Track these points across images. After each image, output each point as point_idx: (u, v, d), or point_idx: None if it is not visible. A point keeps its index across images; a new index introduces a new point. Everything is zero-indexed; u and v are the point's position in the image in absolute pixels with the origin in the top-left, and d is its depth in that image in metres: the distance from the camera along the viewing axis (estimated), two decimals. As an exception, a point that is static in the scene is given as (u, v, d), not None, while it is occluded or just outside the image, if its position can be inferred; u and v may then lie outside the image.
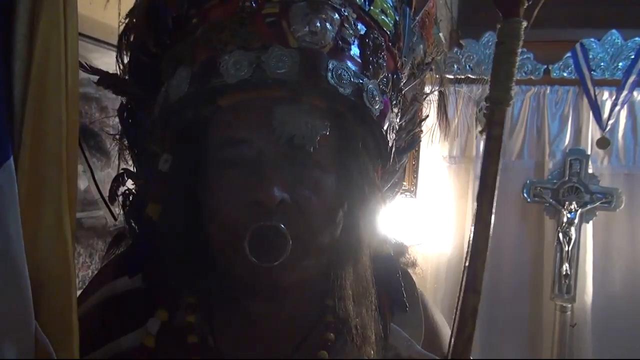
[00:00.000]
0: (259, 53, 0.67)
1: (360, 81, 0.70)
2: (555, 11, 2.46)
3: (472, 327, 0.60)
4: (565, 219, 2.93)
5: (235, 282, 0.75)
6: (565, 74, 3.03)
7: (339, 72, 0.68)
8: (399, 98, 0.82)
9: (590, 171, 2.99)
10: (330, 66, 0.68)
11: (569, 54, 3.01)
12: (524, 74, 3.06)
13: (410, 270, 0.85)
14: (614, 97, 2.93)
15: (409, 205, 2.87)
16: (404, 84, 0.85)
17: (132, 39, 0.83)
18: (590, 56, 2.97)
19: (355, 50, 0.72)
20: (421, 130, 0.95)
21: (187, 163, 0.73)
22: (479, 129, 0.62)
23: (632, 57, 2.91)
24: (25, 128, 0.56)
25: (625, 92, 2.90)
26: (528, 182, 3.04)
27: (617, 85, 2.92)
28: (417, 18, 0.86)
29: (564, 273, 2.89)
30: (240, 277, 0.73)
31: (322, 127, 0.68)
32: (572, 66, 3.00)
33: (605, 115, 2.94)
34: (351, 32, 0.71)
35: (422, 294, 0.85)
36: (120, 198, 0.87)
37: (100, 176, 1.37)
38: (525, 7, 0.60)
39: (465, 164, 3.18)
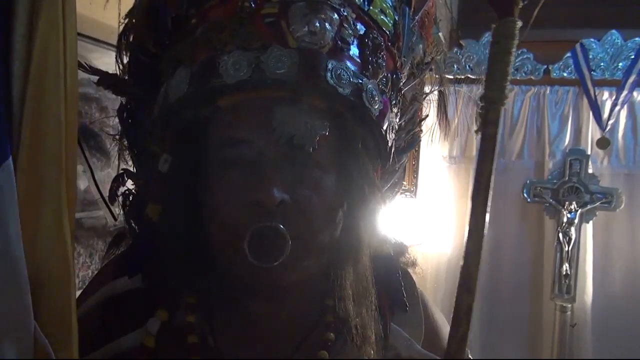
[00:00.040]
0: (258, 53, 0.67)
1: (360, 81, 0.70)
2: (555, 11, 2.46)
3: (466, 326, 0.60)
4: (565, 219, 2.93)
5: (235, 282, 0.75)
6: (565, 74, 3.03)
7: (338, 72, 0.68)
8: (399, 98, 0.82)
9: (590, 171, 2.99)
10: (330, 66, 0.68)
11: (569, 54, 3.01)
12: (524, 74, 3.06)
13: (410, 270, 0.86)
14: (614, 97, 2.93)
15: (409, 205, 2.87)
16: (403, 83, 0.85)
17: (131, 39, 0.83)
18: (590, 56, 2.97)
19: (354, 50, 0.72)
20: (421, 130, 0.95)
21: (186, 163, 0.73)
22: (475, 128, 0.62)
23: (632, 57, 2.91)
24: (24, 128, 0.56)
25: (625, 92, 2.90)
26: (528, 182, 3.04)
27: (617, 86, 2.92)
28: (417, 18, 0.86)
29: (564, 273, 2.89)
30: (240, 277, 0.73)
31: (321, 127, 0.68)
32: (572, 66, 3.00)
33: (605, 115, 2.95)
34: (350, 32, 0.71)
35: (422, 293, 0.85)
36: (120, 198, 0.87)
37: (100, 176, 1.37)
38: (520, 6, 0.60)
39: (465, 164, 3.18)
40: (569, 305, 2.92)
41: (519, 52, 3.05)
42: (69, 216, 0.59)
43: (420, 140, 0.97)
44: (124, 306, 0.77)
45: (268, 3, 0.70)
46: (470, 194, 0.61)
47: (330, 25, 0.69)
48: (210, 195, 0.71)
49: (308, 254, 0.70)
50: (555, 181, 3.01)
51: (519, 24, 0.60)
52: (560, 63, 3.03)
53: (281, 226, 0.66)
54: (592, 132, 3.02)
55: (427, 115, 0.98)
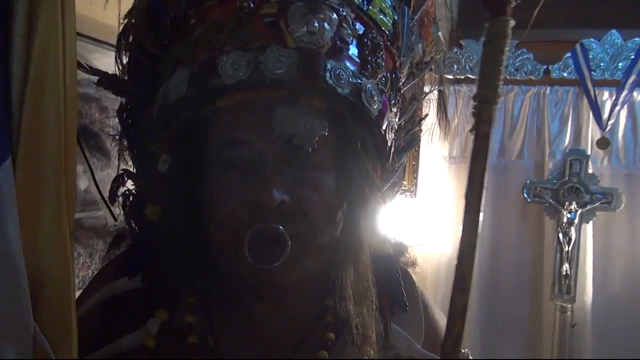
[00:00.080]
0: (257, 53, 0.67)
1: (359, 81, 0.70)
2: (555, 11, 2.46)
3: (461, 326, 0.60)
4: (565, 219, 2.93)
5: (235, 282, 0.75)
6: (565, 74, 3.03)
7: (337, 72, 0.68)
8: (398, 97, 0.82)
9: (590, 171, 2.99)
10: (329, 66, 0.68)
11: (569, 54, 3.01)
12: (524, 74, 3.06)
13: (410, 270, 0.85)
14: (614, 98, 2.93)
15: (409, 205, 2.87)
16: (402, 83, 0.85)
17: (131, 39, 0.83)
18: (590, 56, 2.97)
19: (353, 50, 0.72)
20: (421, 130, 0.95)
21: (186, 164, 0.73)
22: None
23: (632, 57, 2.91)
24: (24, 128, 0.56)
25: (625, 92, 2.90)
26: (528, 182, 3.04)
27: (617, 86, 2.92)
28: (416, 17, 0.86)
29: (564, 273, 2.89)
30: (240, 277, 0.73)
31: (320, 127, 0.68)
32: (572, 66, 3.00)
33: (605, 115, 2.94)
34: (349, 32, 0.71)
35: (422, 293, 0.85)
36: (121, 198, 0.87)
37: (100, 176, 1.38)
38: (512, 6, 0.60)
39: (465, 164, 3.17)
40: (569, 306, 2.91)
41: (519, 52, 3.05)
42: (69, 216, 0.59)
43: (420, 140, 0.97)
44: (124, 306, 0.77)
45: (267, 3, 0.70)
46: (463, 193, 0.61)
47: (329, 25, 0.69)
48: (210, 195, 0.71)
49: (308, 254, 0.70)
50: (555, 181, 3.01)
51: (512, 23, 0.60)
52: (560, 63, 3.03)
53: (281, 227, 0.66)
54: (592, 132, 3.02)
55: (426, 115, 0.98)
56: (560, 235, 2.92)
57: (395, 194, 0.92)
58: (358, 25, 0.73)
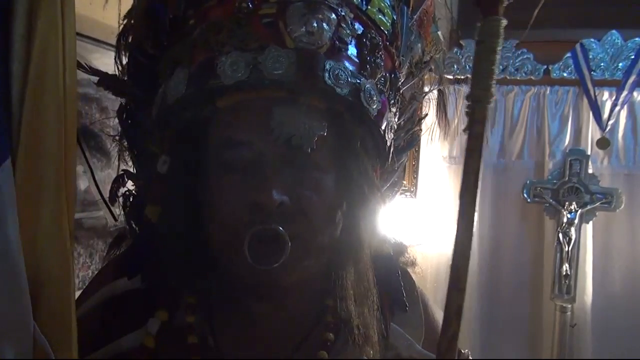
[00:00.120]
0: (255, 54, 0.67)
1: (358, 81, 0.70)
2: (555, 11, 2.46)
3: (456, 325, 0.60)
4: (565, 219, 2.93)
5: (235, 282, 0.75)
6: (565, 74, 3.03)
7: (336, 72, 0.68)
8: (397, 97, 0.82)
9: (590, 171, 2.99)
10: (327, 66, 0.68)
11: (569, 54, 3.01)
12: (524, 74, 3.06)
13: (409, 270, 0.85)
14: (614, 98, 2.93)
15: (409, 205, 2.87)
16: (402, 83, 0.85)
17: (130, 40, 0.83)
18: (590, 56, 2.97)
19: (352, 50, 0.71)
20: (420, 129, 0.95)
21: (185, 164, 0.73)
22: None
23: (632, 57, 2.91)
24: (24, 128, 0.56)
25: (625, 93, 2.90)
26: (528, 182, 3.04)
27: (617, 86, 2.92)
28: (415, 17, 0.86)
29: (564, 273, 2.89)
30: (240, 278, 0.73)
31: (319, 127, 0.68)
32: (572, 66, 3.00)
33: (605, 115, 2.94)
34: (348, 32, 0.71)
35: (422, 293, 0.85)
36: (121, 199, 0.87)
37: (100, 177, 1.38)
38: (504, 5, 0.60)
39: (465, 164, 3.17)
40: (569, 306, 2.91)
41: (519, 52, 3.05)
42: (69, 216, 0.59)
43: (419, 140, 0.97)
44: (124, 306, 0.77)
45: (266, 3, 0.70)
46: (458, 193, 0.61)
47: (327, 25, 0.69)
48: (210, 196, 0.71)
49: (308, 254, 0.70)
50: (555, 181, 3.01)
51: (504, 22, 0.60)
52: (560, 63, 3.03)
53: (281, 228, 0.66)
54: (592, 132, 3.02)
55: (426, 114, 0.98)
56: (560, 235, 2.92)
57: (395, 194, 0.92)
58: (357, 25, 0.73)
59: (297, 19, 0.68)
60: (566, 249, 2.90)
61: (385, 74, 0.76)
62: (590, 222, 2.98)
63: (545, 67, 3.05)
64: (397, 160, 0.88)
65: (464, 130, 0.62)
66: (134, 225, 0.84)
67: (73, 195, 0.62)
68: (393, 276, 0.81)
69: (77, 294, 0.75)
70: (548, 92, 3.07)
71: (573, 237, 2.90)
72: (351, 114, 0.71)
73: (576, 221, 2.92)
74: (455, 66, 3.04)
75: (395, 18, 0.80)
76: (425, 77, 0.96)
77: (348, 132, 0.72)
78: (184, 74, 0.71)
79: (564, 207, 2.94)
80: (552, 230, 3.00)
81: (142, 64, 0.81)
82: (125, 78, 0.85)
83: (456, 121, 3.01)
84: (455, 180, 3.15)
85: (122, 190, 0.87)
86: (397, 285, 0.81)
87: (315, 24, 0.68)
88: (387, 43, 0.78)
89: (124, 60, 0.84)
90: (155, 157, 0.76)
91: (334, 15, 0.70)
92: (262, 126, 0.67)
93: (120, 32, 0.84)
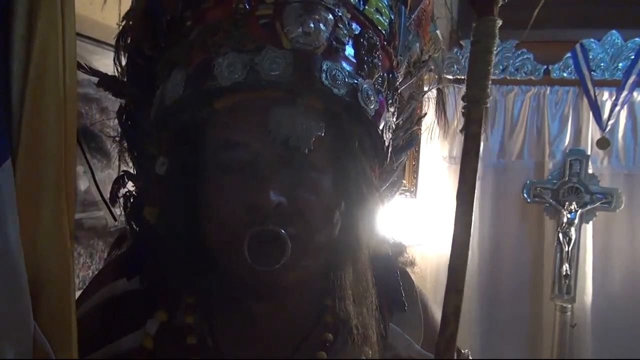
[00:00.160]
0: (252, 55, 0.67)
1: (355, 81, 0.70)
2: (555, 11, 2.45)
3: (454, 326, 0.60)
4: (565, 219, 2.93)
5: (234, 283, 0.75)
6: (565, 75, 3.03)
7: (333, 72, 0.68)
8: (395, 97, 0.82)
9: (590, 171, 2.98)
10: (324, 67, 0.68)
11: (569, 55, 3.01)
12: (524, 74, 3.06)
13: (408, 270, 0.85)
14: (614, 98, 2.93)
15: (409, 206, 2.87)
16: (400, 82, 0.85)
17: (129, 41, 0.83)
18: (590, 56, 2.97)
19: (349, 51, 0.71)
20: (419, 129, 0.94)
21: (183, 165, 0.73)
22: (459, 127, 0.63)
23: (632, 57, 2.90)
24: (24, 128, 0.56)
25: (625, 93, 2.90)
26: (528, 182, 3.04)
27: (617, 86, 2.92)
28: (413, 16, 0.86)
29: (564, 273, 2.89)
30: (239, 278, 0.73)
31: (317, 128, 0.68)
32: (572, 66, 3.00)
33: (605, 115, 2.94)
34: (345, 32, 0.71)
35: (421, 293, 0.85)
36: (121, 200, 0.87)
37: (100, 177, 1.38)
38: (499, 5, 0.60)
39: (465, 165, 3.17)
40: (569, 306, 2.91)
41: (519, 52, 3.05)
42: (69, 217, 0.59)
43: (418, 139, 0.97)
44: (123, 307, 0.78)
45: (262, 4, 0.70)
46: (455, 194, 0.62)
47: (324, 25, 0.69)
48: (208, 197, 0.71)
49: (306, 254, 0.70)
50: (555, 181, 3.01)
51: (499, 22, 0.60)
52: (560, 63, 3.03)
53: (282, 231, 0.66)
54: (592, 132, 3.02)
55: (425, 114, 0.98)
56: (560, 235, 2.92)
57: (395, 194, 0.92)
58: (354, 26, 0.73)
59: (294, 19, 0.68)
60: (566, 249, 2.90)
61: (383, 74, 0.76)
62: (590, 222, 2.98)
63: (545, 67, 3.05)
64: (396, 160, 0.88)
65: (461, 131, 0.62)
66: (134, 225, 0.84)
67: (73, 196, 0.62)
68: (392, 276, 0.81)
69: (77, 294, 0.75)
70: (548, 92, 3.07)
71: (573, 237, 2.90)
72: (348, 114, 0.71)
73: (576, 221, 2.92)
74: (455, 66, 3.05)
75: (392, 18, 0.80)
76: (425, 77, 0.95)
77: (346, 132, 0.72)
78: (181, 76, 0.71)
79: (564, 207, 2.94)
80: (552, 230, 3.00)
81: (140, 66, 0.81)
82: (125, 79, 0.85)
83: (456, 121, 3.02)
84: (455, 180, 3.09)
85: (123, 191, 0.88)
86: (395, 285, 0.81)
87: (312, 25, 0.68)
88: (385, 43, 0.77)
89: (123, 62, 0.84)
90: (154, 158, 0.76)
91: (330, 16, 0.70)
92: (259, 127, 0.67)
93: (119, 33, 0.84)
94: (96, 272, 0.99)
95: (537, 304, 3.10)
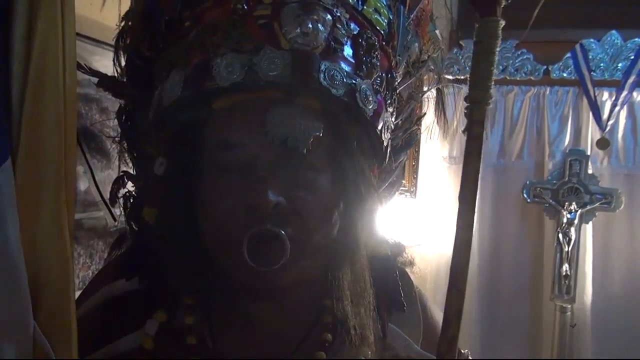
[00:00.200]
0: (250, 55, 0.67)
1: (353, 82, 0.70)
2: (555, 11, 2.46)
3: (456, 327, 0.60)
4: (565, 220, 2.93)
5: (232, 283, 0.75)
6: (565, 75, 3.04)
7: (332, 73, 0.68)
8: (394, 97, 0.82)
9: (590, 172, 2.99)
10: (323, 67, 0.67)
11: (568, 55, 3.01)
12: (523, 75, 3.07)
13: (408, 270, 0.85)
14: (613, 98, 2.93)
15: (409, 206, 2.87)
16: (399, 82, 0.85)
17: (128, 42, 0.83)
18: (590, 57, 2.97)
19: (348, 51, 0.71)
20: (418, 129, 0.94)
21: (182, 166, 0.73)
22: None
23: (632, 57, 2.91)
24: (24, 128, 0.56)
25: (625, 93, 2.91)
26: (528, 182, 3.04)
27: (617, 86, 2.92)
28: (412, 16, 0.86)
29: (564, 274, 2.89)
30: (238, 278, 0.73)
31: (315, 128, 0.68)
32: (572, 67, 3.01)
33: (605, 115, 2.95)
34: (344, 32, 0.71)
35: (421, 293, 0.85)
36: (121, 200, 0.87)
37: (100, 177, 1.38)
38: (502, 6, 0.60)
39: (465, 165, 3.17)
40: (569, 306, 2.92)
41: (519, 52, 3.05)
42: (69, 217, 0.59)
43: (418, 139, 0.97)
44: (123, 307, 0.78)
45: (261, 5, 0.70)
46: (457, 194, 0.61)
47: (323, 26, 0.69)
48: (206, 197, 0.71)
49: (304, 254, 0.70)
50: (555, 182, 3.01)
51: (502, 23, 0.60)
52: (560, 63, 3.04)
53: (282, 232, 0.66)
54: (592, 132, 3.02)
55: (424, 114, 0.98)
56: (560, 235, 2.92)
57: (394, 194, 0.92)
58: (352, 26, 0.73)
59: (292, 20, 0.68)
60: (566, 249, 2.90)
61: (382, 74, 0.76)
62: (590, 223, 2.99)
63: (545, 67, 3.06)
64: (395, 160, 0.88)
65: (463, 132, 0.62)
66: (134, 226, 0.84)
67: (73, 196, 0.62)
68: (390, 276, 0.81)
69: (77, 294, 0.75)
70: (548, 92, 3.07)
71: (573, 238, 2.91)
72: (347, 114, 0.71)
73: (576, 221, 2.92)
74: (455, 67, 3.05)
75: (391, 18, 0.80)
76: (425, 77, 0.95)
77: (344, 132, 0.72)
78: (179, 76, 0.71)
79: (563, 207, 2.94)
80: (552, 230, 3.01)
81: (139, 66, 0.81)
82: (124, 79, 0.85)
83: (455, 122, 3.03)
84: (455, 180, 3.15)
85: (123, 191, 0.88)
86: (394, 286, 0.81)
87: (310, 25, 0.68)
88: (384, 43, 0.77)
89: (123, 62, 0.85)
90: (153, 159, 0.76)
91: (329, 16, 0.70)
92: (257, 127, 0.67)
93: (118, 34, 0.84)
94: (96, 272, 0.99)
95: (537, 304, 3.11)
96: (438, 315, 0.85)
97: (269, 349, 0.76)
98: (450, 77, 2.77)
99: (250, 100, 0.68)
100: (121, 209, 0.87)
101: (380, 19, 0.77)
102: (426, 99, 0.99)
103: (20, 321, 0.55)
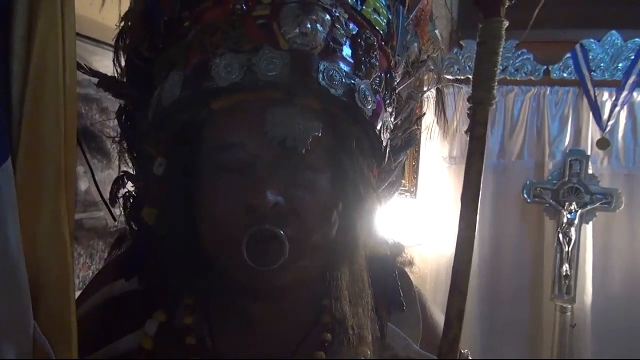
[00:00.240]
0: (249, 55, 0.67)
1: (352, 82, 0.70)
2: (555, 11, 2.46)
3: (458, 328, 0.60)
4: (565, 220, 2.93)
5: (231, 283, 0.75)
6: (565, 75, 3.04)
7: (330, 73, 0.68)
8: (393, 97, 0.82)
9: (590, 172, 2.99)
10: (321, 67, 0.67)
11: (568, 55, 3.01)
12: (524, 75, 3.07)
13: (407, 270, 0.85)
14: (613, 98, 2.93)
15: (409, 206, 2.87)
16: (398, 82, 0.85)
17: (127, 42, 0.83)
18: (590, 57, 2.97)
19: (346, 51, 0.71)
20: (418, 129, 0.94)
21: (181, 166, 0.73)
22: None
23: (632, 57, 2.91)
24: (24, 128, 0.56)
25: (625, 93, 2.91)
26: (528, 182, 3.04)
27: (617, 86, 2.92)
28: (411, 16, 0.86)
29: (564, 274, 2.89)
30: (237, 278, 0.73)
31: (313, 128, 0.68)
32: (572, 67, 3.01)
33: (605, 115, 2.95)
34: (342, 32, 0.71)
35: (420, 293, 0.85)
36: (121, 200, 0.87)
37: (101, 177, 1.38)
38: (506, 6, 0.60)
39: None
40: (569, 306, 2.91)
41: (519, 53, 3.05)
42: (69, 217, 0.59)
43: (417, 139, 0.97)
44: (123, 307, 0.78)
45: (260, 5, 0.70)
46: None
47: (321, 26, 0.69)
48: (205, 197, 0.71)
49: (303, 254, 0.70)
50: (555, 182, 3.01)
51: (506, 24, 0.60)
52: (560, 63, 3.03)
53: (281, 232, 0.66)
54: (592, 132, 3.02)
55: (424, 114, 0.98)
56: (560, 235, 2.92)
57: (394, 194, 0.92)
58: (351, 26, 0.73)
59: (291, 20, 0.68)
60: (566, 249, 2.90)
61: (381, 74, 0.76)
62: (590, 223, 2.99)
63: (545, 67, 3.06)
64: (394, 160, 0.88)
65: (466, 132, 0.62)
66: (133, 226, 0.84)
67: (73, 196, 0.62)
68: (390, 276, 0.81)
69: (77, 294, 0.75)
70: (548, 92, 3.07)
71: (573, 238, 2.91)
72: (346, 114, 0.71)
73: (576, 221, 2.92)
74: (455, 67, 3.05)
75: (390, 17, 0.80)
76: (425, 77, 0.95)
77: (343, 132, 0.72)
78: (179, 76, 0.71)
79: (564, 207, 2.94)
80: (552, 230, 3.01)
81: (139, 67, 0.81)
82: (124, 80, 0.85)
83: (455, 122, 3.03)
84: (455, 180, 3.15)
85: (123, 191, 0.88)
86: (394, 285, 0.81)
87: (309, 25, 0.68)
88: (383, 43, 0.77)
89: (123, 62, 0.85)
90: (152, 159, 0.76)
91: (328, 16, 0.70)
92: (256, 127, 0.67)
93: (117, 34, 0.84)
94: (96, 272, 0.99)
95: (537, 304, 3.11)
96: (437, 315, 0.85)
97: (268, 349, 0.76)
98: (450, 77, 2.78)
99: (249, 100, 0.68)
100: (121, 209, 0.87)
101: (379, 19, 0.77)
102: (426, 99, 0.99)
103: (20, 321, 0.55)
